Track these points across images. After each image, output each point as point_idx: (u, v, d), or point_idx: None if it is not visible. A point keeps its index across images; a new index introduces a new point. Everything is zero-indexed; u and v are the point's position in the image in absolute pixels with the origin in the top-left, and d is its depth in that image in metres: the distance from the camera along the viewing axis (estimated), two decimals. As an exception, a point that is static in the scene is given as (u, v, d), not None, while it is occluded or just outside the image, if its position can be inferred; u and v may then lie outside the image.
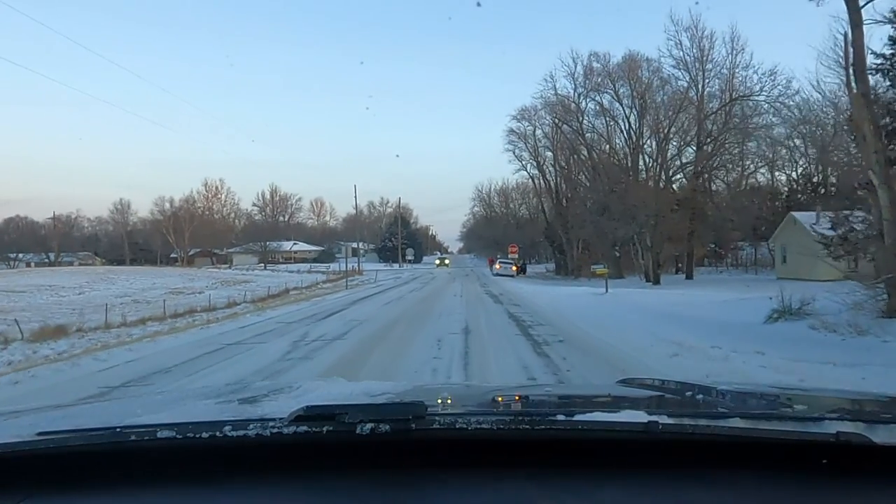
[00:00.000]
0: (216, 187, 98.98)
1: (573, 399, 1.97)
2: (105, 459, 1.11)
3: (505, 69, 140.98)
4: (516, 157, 57.54)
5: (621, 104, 44.79)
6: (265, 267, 71.08)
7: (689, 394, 1.66)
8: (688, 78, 41.05)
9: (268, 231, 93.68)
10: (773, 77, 38.34)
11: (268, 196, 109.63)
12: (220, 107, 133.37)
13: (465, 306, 20.00)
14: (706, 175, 42.50)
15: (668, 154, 42.01)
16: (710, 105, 41.00)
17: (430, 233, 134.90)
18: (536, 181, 60.03)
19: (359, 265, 57.22)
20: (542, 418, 1.24)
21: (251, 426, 1.10)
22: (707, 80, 40.74)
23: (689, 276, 39.96)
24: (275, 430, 1.08)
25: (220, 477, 1.09)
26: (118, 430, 1.17)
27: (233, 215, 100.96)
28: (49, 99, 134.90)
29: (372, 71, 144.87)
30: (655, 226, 37.01)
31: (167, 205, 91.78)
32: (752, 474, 1.07)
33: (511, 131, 56.28)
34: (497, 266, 52.24)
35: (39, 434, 1.15)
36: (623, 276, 40.79)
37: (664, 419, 1.17)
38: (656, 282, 36.11)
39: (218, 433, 1.09)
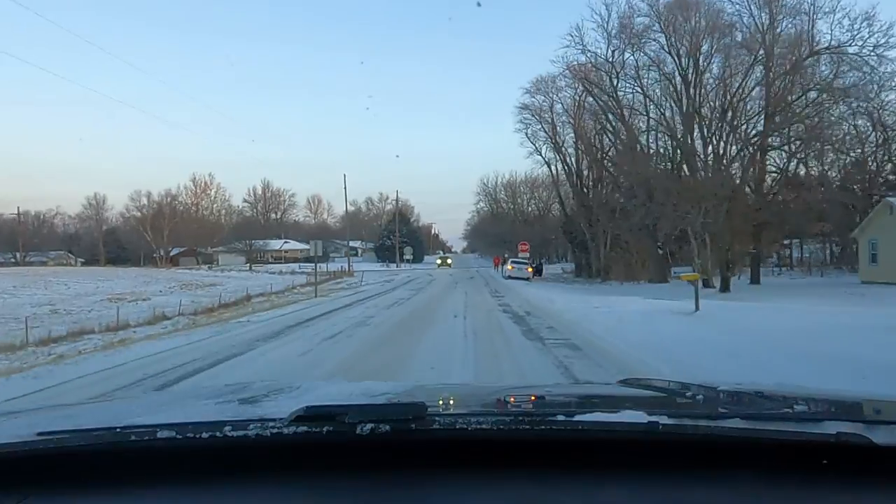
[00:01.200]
0: (205, 182, 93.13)
1: (573, 399, 1.97)
2: (105, 459, 1.11)
3: (505, 69, 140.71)
4: (529, 138, 48.78)
5: (675, 56, 32.05)
6: (250, 267, 65.93)
7: (689, 394, 1.66)
8: (752, 27, 30.22)
9: (258, 229, 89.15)
10: (868, 23, 27.27)
11: (259, 192, 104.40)
12: (219, 106, 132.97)
13: (474, 342, 11.54)
14: (789, 152, 31.58)
15: (738, 122, 30.55)
16: (782, 63, 29.81)
17: (433, 231, 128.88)
18: (553, 166, 51.31)
19: (349, 265, 54.74)
20: (542, 418, 1.24)
21: (251, 426, 1.10)
22: (779, 29, 29.80)
23: (756, 281, 31.64)
24: (275, 431, 1.08)
25: (220, 477, 1.09)
26: (118, 430, 1.17)
27: (223, 212, 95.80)
28: (35, 88, 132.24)
29: (372, 71, 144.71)
30: (726, 214, 27.15)
31: (144, 199, 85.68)
32: (752, 474, 1.07)
33: (523, 107, 46.92)
34: (509, 267, 44.03)
35: (39, 434, 1.15)
36: (667, 279, 33.78)
37: (664, 419, 1.17)
38: (725, 289, 27.25)
39: (218, 433, 1.09)
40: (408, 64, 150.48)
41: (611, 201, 39.82)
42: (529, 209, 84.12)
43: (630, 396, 1.89)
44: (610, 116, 38.69)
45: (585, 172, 46.99)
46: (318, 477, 1.08)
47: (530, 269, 43.20)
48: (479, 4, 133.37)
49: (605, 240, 40.83)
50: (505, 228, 77.60)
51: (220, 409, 1.64)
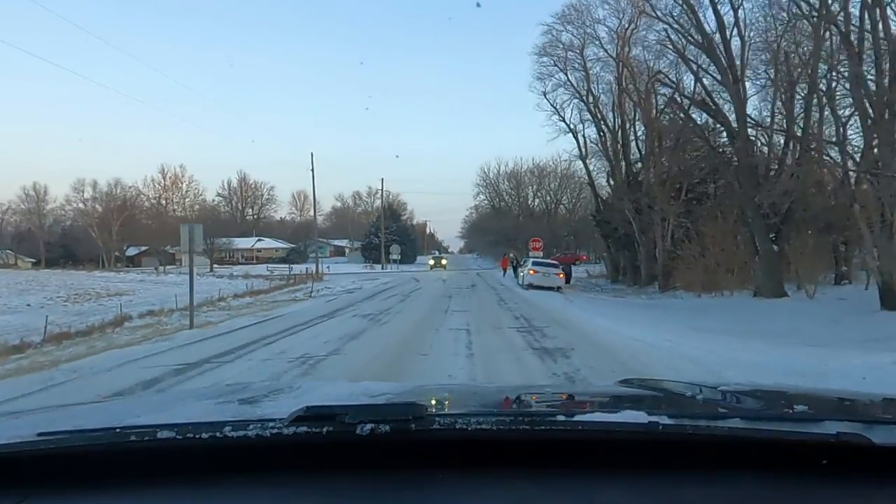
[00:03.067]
0: (175, 175, 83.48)
1: (573, 399, 1.97)
2: (105, 459, 1.11)
3: (506, 69, 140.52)
4: (548, 99, 36.22)
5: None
6: (211, 268, 58.06)
7: (689, 394, 1.66)
8: None
9: (234, 225, 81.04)
10: None
11: (235, 185, 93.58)
12: (219, 106, 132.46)
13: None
14: None
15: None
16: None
17: (428, 230, 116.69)
18: (580, 135, 36.96)
19: (317, 268, 44.95)
20: (542, 418, 1.24)
21: (251, 426, 1.10)
22: None
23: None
24: (275, 431, 1.08)
25: (220, 477, 1.09)
26: (118, 430, 1.18)
27: (197, 207, 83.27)
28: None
29: (372, 71, 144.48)
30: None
31: (89, 190, 75.11)
32: (752, 474, 1.07)
33: (542, 51, 34.05)
34: (530, 271, 28.84)
35: (39, 434, 1.15)
36: (783, 291, 19.57)
37: (664, 419, 1.17)
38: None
39: (218, 433, 1.10)
40: (408, 64, 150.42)
41: (676, 176, 27.47)
42: (535, 203, 75.72)
43: (630, 396, 1.89)
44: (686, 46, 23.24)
45: (635, 142, 33.18)
46: (318, 477, 1.08)
47: (561, 276, 28.38)
48: (478, 5, 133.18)
49: (664, 232, 27.73)
50: (508, 224, 69.43)
51: (220, 409, 1.65)
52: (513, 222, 69.61)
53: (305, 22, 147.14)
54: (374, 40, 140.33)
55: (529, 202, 76.24)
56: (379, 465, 1.09)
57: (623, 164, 34.01)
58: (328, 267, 53.70)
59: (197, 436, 1.10)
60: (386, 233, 71.10)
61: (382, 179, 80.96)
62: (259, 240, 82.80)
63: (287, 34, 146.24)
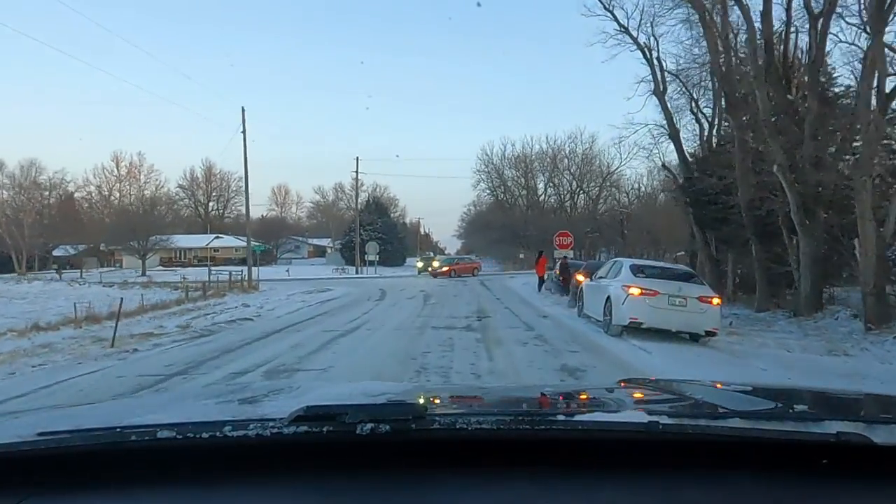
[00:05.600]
0: (131, 164, 70.63)
1: (573, 399, 1.97)
2: (105, 459, 1.11)
3: (507, 68, 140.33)
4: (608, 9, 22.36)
5: None
6: (144, 272, 49.28)
7: (688, 394, 1.66)
8: None
9: (194, 222, 71.13)
10: None
11: (199, 175, 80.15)
12: (218, 105, 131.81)
13: None
14: None
15: None
16: None
17: (423, 230, 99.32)
18: (653, 51, 23.14)
19: (248, 275, 31.79)
20: (542, 418, 1.25)
21: (251, 426, 1.10)
22: None
23: None
24: (275, 431, 1.08)
25: (221, 477, 1.09)
26: (118, 430, 1.18)
27: (164, 199, 71.41)
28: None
29: (372, 71, 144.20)
30: None
31: None
32: (751, 474, 1.07)
33: None
34: (632, 291, 11.29)
35: (39, 434, 1.15)
36: None
37: (664, 419, 1.17)
38: None
39: (218, 433, 1.10)
40: (407, 64, 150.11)
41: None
42: (548, 194, 62.28)
43: (630, 396, 1.89)
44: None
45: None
46: (318, 477, 1.08)
47: (715, 301, 11.66)
48: (478, 4, 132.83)
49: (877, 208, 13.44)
50: (515, 218, 58.51)
51: (220, 409, 1.65)
52: (521, 216, 58.87)
53: (305, 21, 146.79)
54: (375, 40, 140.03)
55: (540, 194, 63.10)
56: (379, 465, 1.09)
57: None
58: (287, 270, 48.12)
59: (197, 436, 1.10)
60: (369, 229, 60.17)
61: (357, 158, 56.93)
62: (217, 237, 69.39)
63: (287, 33, 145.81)
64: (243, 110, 34.00)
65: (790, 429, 1.20)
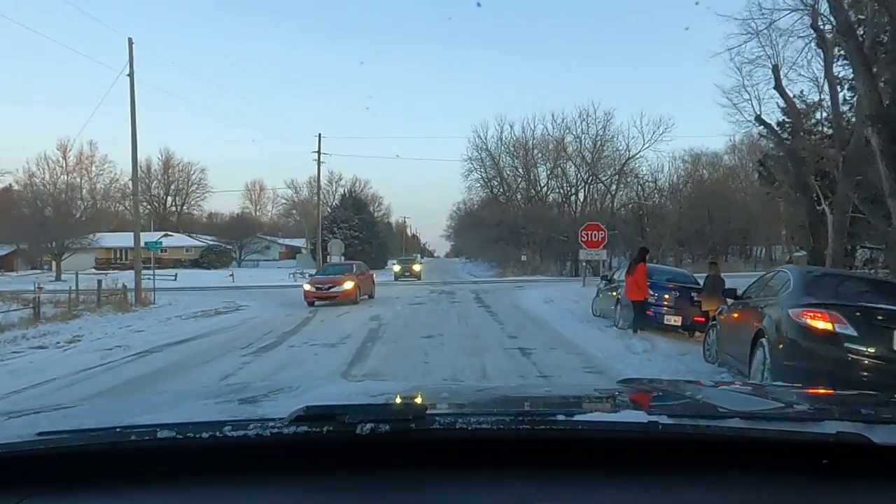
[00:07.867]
0: (82, 155, 61.69)
1: (573, 399, 1.97)
2: (105, 459, 1.11)
3: (507, 69, 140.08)
4: None
5: None
6: (58, 276, 43.77)
7: (689, 394, 1.66)
8: None
9: (148, 218, 59.84)
10: None
11: (156, 166, 72.80)
12: (217, 104, 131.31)
13: None
14: None
15: None
16: None
17: (409, 231, 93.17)
18: None
19: (137, 283, 22.39)
20: (542, 418, 1.25)
21: (251, 426, 1.10)
22: None
23: None
24: (275, 431, 1.08)
25: (220, 477, 1.09)
26: (118, 430, 1.18)
27: (116, 193, 63.65)
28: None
29: (372, 71, 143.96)
30: None
31: None
32: (752, 474, 1.07)
33: None
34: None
35: (39, 434, 1.15)
36: None
37: (664, 419, 1.17)
38: None
39: (218, 433, 1.10)
40: (407, 64, 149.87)
41: None
42: (551, 186, 51.96)
43: (630, 396, 1.89)
44: None
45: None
46: (318, 477, 1.08)
47: None
48: (478, 4, 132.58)
49: None
50: (513, 215, 49.57)
51: (220, 409, 1.65)
52: (521, 210, 50.05)
53: (305, 21, 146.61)
54: (374, 40, 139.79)
55: (542, 186, 53.04)
56: (379, 465, 1.09)
57: None
58: (231, 274, 41.25)
59: (197, 436, 1.10)
60: (344, 226, 52.16)
61: (320, 135, 43.65)
62: (166, 234, 60.72)
63: (286, 33, 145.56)
64: (130, 42, 22.54)
65: (790, 429, 1.20)
